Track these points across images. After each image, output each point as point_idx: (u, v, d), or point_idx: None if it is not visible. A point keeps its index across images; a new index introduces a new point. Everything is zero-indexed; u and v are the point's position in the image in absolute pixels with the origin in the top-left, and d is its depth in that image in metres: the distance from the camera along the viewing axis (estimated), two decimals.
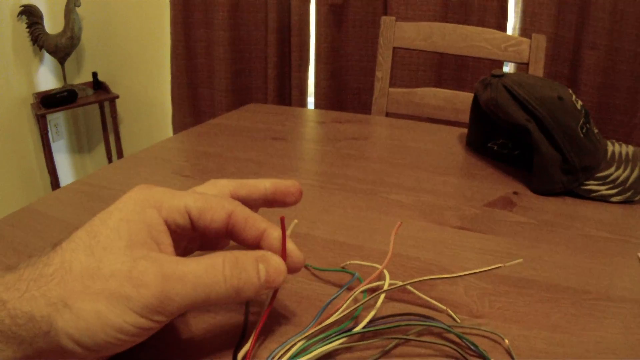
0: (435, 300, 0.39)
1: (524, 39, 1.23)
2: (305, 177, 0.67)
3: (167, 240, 0.31)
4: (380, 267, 0.38)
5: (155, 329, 0.28)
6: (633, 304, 0.41)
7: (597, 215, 0.58)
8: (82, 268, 0.27)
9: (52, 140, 2.33)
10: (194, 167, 0.69)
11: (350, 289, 0.40)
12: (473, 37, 1.27)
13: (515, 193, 0.64)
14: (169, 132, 2.38)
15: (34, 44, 2.14)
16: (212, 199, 0.32)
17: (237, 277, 0.29)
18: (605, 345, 0.35)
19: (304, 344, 0.32)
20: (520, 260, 0.36)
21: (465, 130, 0.88)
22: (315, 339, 0.32)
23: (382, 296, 0.37)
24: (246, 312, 0.36)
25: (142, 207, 0.30)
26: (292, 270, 0.32)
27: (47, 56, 2.25)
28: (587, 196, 0.63)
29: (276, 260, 0.31)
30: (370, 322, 0.35)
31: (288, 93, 2.07)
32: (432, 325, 0.35)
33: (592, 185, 0.63)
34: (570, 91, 0.68)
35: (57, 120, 2.40)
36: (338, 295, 0.38)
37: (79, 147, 2.60)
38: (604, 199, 0.62)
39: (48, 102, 2.08)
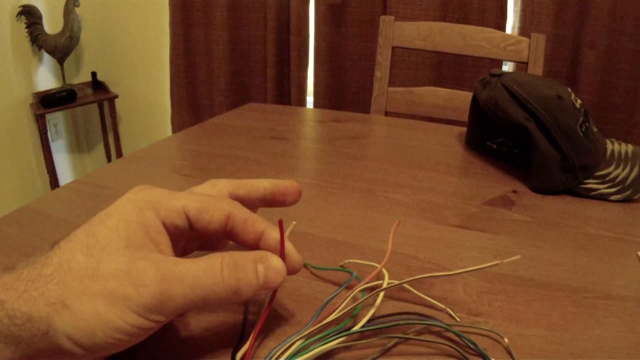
0: (434, 299, 0.39)
1: (523, 38, 1.23)
2: (304, 176, 0.67)
3: (165, 242, 0.31)
4: (379, 266, 0.38)
5: (154, 329, 0.28)
6: (632, 302, 0.41)
7: (597, 214, 0.58)
8: (81, 268, 0.27)
9: (52, 140, 2.33)
10: (193, 166, 0.69)
11: (349, 288, 0.40)
12: (472, 36, 1.27)
13: (514, 192, 0.64)
14: (168, 131, 2.38)
15: (33, 44, 2.14)
16: (210, 200, 0.32)
17: (235, 277, 0.29)
18: (604, 344, 0.35)
19: (302, 343, 0.32)
20: (518, 256, 0.36)
21: (464, 129, 0.88)
22: (314, 338, 0.32)
23: (381, 295, 0.37)
24: (245, 311, 0.36)
25: (140, 208, 0.30)
26: (290, 271, 0.32)
27: (47, 56, 2.25)
28: (587, 195, 0.63)
29: (275, 261, 0.31)
30: (369, 321, 0.35)
31: (287, 92, 2.07)
32: (431, 324, 0.35)
33: (591, 184, 0.63)
34: (570, 90, 0.68)
35: (56, 119, 2.40)
36: (337, 294, 0.38)
37: (78, 146, 2.60)
38: (604, 198, 0.62)
39: (47, 101, 2.08)
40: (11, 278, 0.27)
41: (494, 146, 0.76)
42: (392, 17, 1.30)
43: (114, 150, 2.52)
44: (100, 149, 2.64)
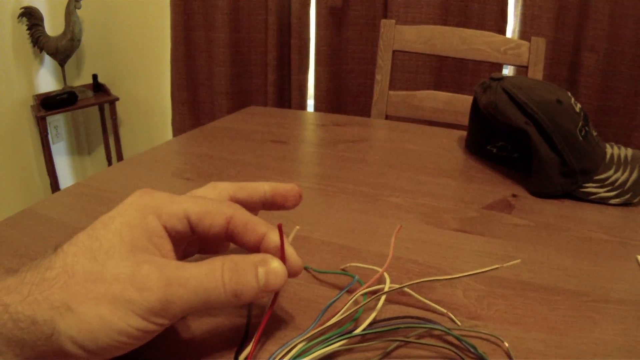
0: (434, 302, 0.39)
1: (524, 42, 1.23)
2: (305, 180, 0.67)
3: (167, 246, 0.31)
4: (380, 269, 0.38)
5: (157, 332, 0.29)
6: (631, 306, 0.41)
7: (596, 218, 0.58)
8: (85, 272, 0.27)
9: (52, 142, 2.33)
10: (194, 169, 0.69)
11: (350, 291, 0.40)
12: (473, 40, 1.27)
13: (514, 196, 0.64)
14: (169, 134, 2.39)
15: (34, 46, 2.14)
16: (211, 203, 0.32)
17: (235, 281, 0.29)
18: (603, 348, 0.36)
19: (304, 345, 0.32)
20: (518, 260, 0.36)
21: (464, 133, 0.88)
22: (315, 341, 0.32)
23: (383, 298, 0.37)
24: (249, 314, 0.36)
25: (142, 213, 0.30)
26: (291, 274, 0.33)
27: (48, 58, 2.25)
28: (586, 199, 0.63)
29: (276, 264, 0.31)
30: (370, 324, 0.35)
31: (288, 95, 2.07)
32: (431, 328, 0.35)
33: (590, 188, 0.63)
34: (569, 94, 0.68)
35: (57, 122, 2.40)
36: (338, 298, 0.38)
37: (79, 149, 2.60)
38: (603, 202, 0.63)
39: (48, 104, 2.08)
40: (15, 281, 0.27)
41: (494, 150, 0.76)
42: (393, 21, 1.31)
43: (114, 152, 2.52)
44: (100, 152, 2.64)
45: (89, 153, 2.66)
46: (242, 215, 0.33)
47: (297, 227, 0.43)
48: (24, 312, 0.26)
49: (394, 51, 1.32)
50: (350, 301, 0.36)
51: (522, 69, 1.28)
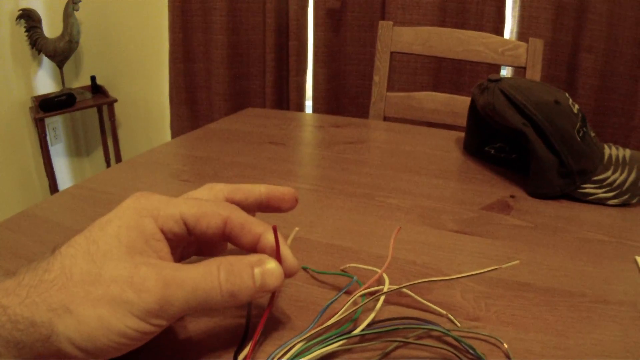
0: (433, 303, 0.39)
1: (521, 43, 1.23)
2: (303, 182, 0.67)
3: (164, 248, 0.31)
4: (379, 270, 0.38)
5: (155, 333, 0.29)
6: (630, 307, 0.41)
7: (594, 219, 0.59)
8: (83, 274, 0.28)
9: (51, 144, 2.33)
10: (192, 171, 0.69)
11: (349, 292, 0.40)
12: (470, 41, 1.27)
13: (512, 197, 0.64)
14: (167, 136, 2.38)
15: (32, 48, 2.14)
16: (208, 205, 0.32)
17: (232, 282, 0.29)
18: (602, 348, 0.36)
19: (303, 345, 0.32)
20: (517, 261, 0.36)
21: (462, 134, 0.88)
22: (314, 341, 0.33)
23: (382, 299, 0.37)
24: (248, 314, 0.36)
25: (139, 216, 0.31)
26: (286, 275, 0.33)
27: (46, 60, 2.25)
28: (584, 199, 0.63)
29: (272, 265, 0.31)
30: (369, 325, 0.35)
31: (286, 97, 2.07)
32: (430, 329, 0.35)
33: (589, 189, 0.63)
34: (567, 95, 0.69)
35: (56, 123, 2.40)
36: (337, 298, 0.38)
37: (77, 150, 2.60)
38: (601, 202, 0.63)
39: (46, 105, 2.08)
40: (13, 284, 0.27)
41: (492, 151, 0.76)
42: (391, 23, 1.31)
43: (113, 154, 2.52)
44: (99, 153, 2.64)
45: (88, 154, 2.66)
46: (238, 216, 0.33)
47: (297, 228, 0.43)
48: (23, 314, 0.26)
49: (391, 52, 1.32)
50: (349, 302, 0.36)
51: (520, 70, 1.29)
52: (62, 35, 2.14)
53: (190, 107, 2.17)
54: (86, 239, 0.29)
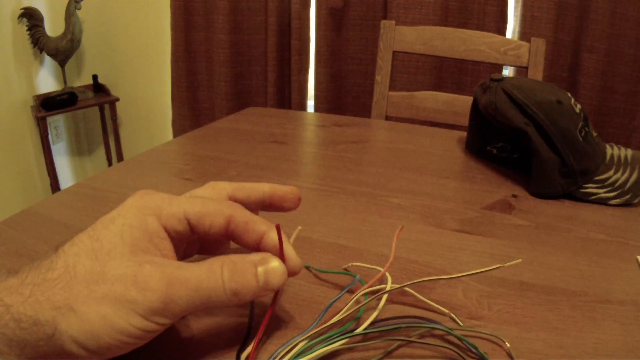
0: (435, 302, 0.39)
1: (523, 43, 1.23)
2: (305, 181, 0.67)
3: (167, 247, 0.31)
4: (381, 269, 0.38)
5: (158, 331, 0.29)
6: (631, 306, 0.41)
7: (596, 218, 0.59)
8: (87, 272, 0.28)
9: (52, 143, 2.33)
10: (194, 170, 0.69)
11: (351, 291, 0.40)
12: (472, 40, 1.27)
13: (514, 196, 0.64)
14: (169, 135, 2.39)
15: (34, 47, 2.14)
16: (211, 204, 0.33)
17: (235, 280, 0.29)
18: (603, 347, 0.36)
19: (306, 344, 0.32)
20: (519, 260, 0.37)
21: (464, 134, 0.88)
22: (317, 340, 0.33)
23: (384, 298, 0.37)
24: (251, 313, 0.36)
25: (143, 214, 0.31)
26: (289, 274, 0.33)
27: (48, 59, 2.25)
28: (586, 199, 0.63)
29: (275, 263, 0.31)
30: (371, 323, 0.35)
31: (288, 96, 2.08)
32: (433, 328, 0.35)
33: (590, 188, 0.63)
34: (569, 95, 0.69)
35: (57, 122, 2.40)
36: (340, 297, 0.38)
37: (79, 149, 2.60)
38: (603, 202, 0.63)
39: (48, 104, 2.09)
40: (16, 282, 0.27)
41: (494, 151, 0.76)
42: (393, 22, 1.31)
43: (114, 153, 2.52)
44: (101, 152, 2.64)
45: (89, 153, 2.67)
46: (242, 215, 0.33)
47: (299, 227, 0.43)
48: (26, 313, 0.26)
49: (394, 52, 1.32)
50: (352, 300, 0.36)
51: (522, 70, 1.28)
52: (64, 34, 2.14)
53: (192, 106, 2.17)
54: (90, 238, 0.29)
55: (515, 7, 1.74)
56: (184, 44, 2.06)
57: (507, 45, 1.25)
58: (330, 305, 0.37)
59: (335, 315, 0.35)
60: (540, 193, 0.64)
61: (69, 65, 2.31)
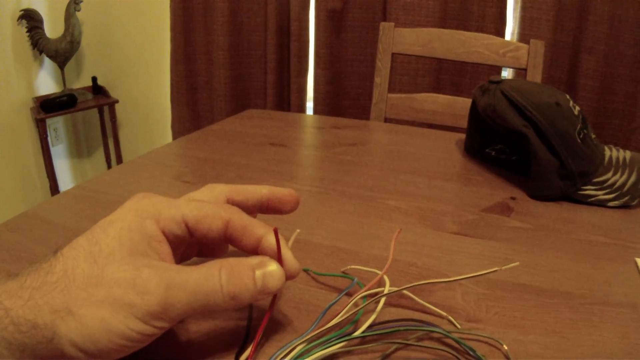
0: (434, 305, 0.40)
1: (522, 45, 1.23)
2: (304, 183, 0.67)
3: (166, 250, 0.31)
4: (380, 272, 0.38)
5: (157, 335, 0.29)
6: (630, 308, 0.41)
7: (595, 220, 0.59)
8: (86, 276, 0.28)
9: (52, 145, 2.33)
10: (193, 173, 0.69)
11: (350, 294, 0.40)
12: (471, 42, 1.28)
13: (512, 198, 0.64)
14: (168, 136, 2.39)
15: (33, 48, 2.14)
16: (209, 207, 0.33)
17: (233, 284, 0.30)
18: (601, 350, 0.36)
19: (304, 347, 0.32)
20: (517, 263, 0.37)
21: (463, 136, 0.88)
22: (315, 343, 0.33)
23: (382, 300, 0.37)
24: (249, 316, 0.36)
25: (141, 217, 0.31)
26: (287, 277, 0.33)
27: (47, 60, 2.25)
28: (585, 201, 0.63)
29: (273, 267, 0.31)
30: (370, 326, 0.35)
31: (287, 98, 2.08)
32: (431, 331, 0.35)
33: (589, 190, 0.63)
34: (568, 97, 0.69)
35: (57, 124, 2.40)
36: (338, 300, 0.38)
37: (78, 151, 2.60)
38: (602, 204, 0.63)
39: (47, 106, 2.09)
40: (15, 285, 0.27)
41: (493, 153, 0.76)
42: (392, 24, 1.31)
43: (114, 155, 2.52)
44: (100, 154, 2.64)
45: (89, 155, 2.67)
46: (239, 218, 0.33)
47: (298, 230, 0.43)
48: (25, 316, 0.26)
49: (393, 54, 1.32)
50: (350, 303, 0.36)
51: (521, 72, 1.29)
52: (64, 35, 2.15)
53: (192, 108, 2.17)
54: (88, 241, 0.29)
55: (514, 9, 1.75)
56: (184, 45, 2.06)
57: (506, 47, 1.25)
58: (329, 308, 0.37)
59: (334, 318, 0.35)
60: (539, 195, 0.64)
61: (69, 67, 2.31)
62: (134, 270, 0.28)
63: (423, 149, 0.84)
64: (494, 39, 1.26)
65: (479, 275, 0.36)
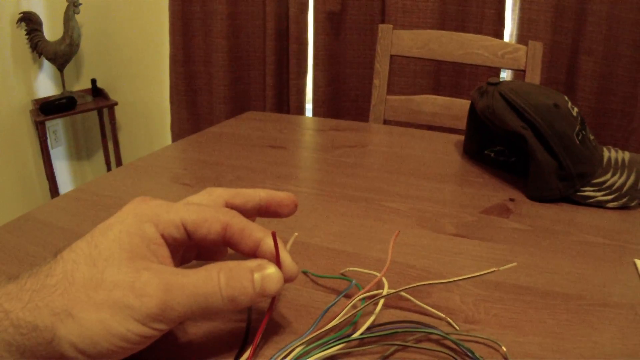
0: (432, 307, 0.40)
1: (521, 46, 1.24)
2: (303, 185, 0.67)
3: (165, 253, 0.31)
4: (378, 274, 0.39)
5: (156, 337, 0.29)
6: (628, 309, 0.41)
7: (594, 222, 0.59)
8: (85, 279, 0.28)
9: (51, 147, 2.33)
10: (192, 175, 0.69)
11: (348, 296, 0.41)
12: (470, 44, 1.28)
13: (511, 200, 0.64)
14: (168, 139, 2.39)
15: (33, 51, 2.14)
16: (208, 211, 0.33)
17: (232, 287, 0.30)
18: (600, 351, 0.36)
19: (303, 349, 0.32)
20: (514, 264, 0.37)
21: (462, 138, 0.88)
22: (314, 345, 0.33)
23: (381, 302, 0.37)
24: (248, 318, 0.37)
25: (140, 221, 0.31)
26: (286, 280, 0.33)
27: (46, 63, 2.25)
28: (584, 202, 0.63)
29: (271, 270, 0.31)
30: (368, 328, 0.35)
31: (286, 100, 2.08)
32: (429, 332, 0.35)
33: (588, 192, 0.63)
34: (567, 98, 0.69)
35: (56, 126, 2.40)
36: (336, 302, 0.38)
37: (78, 153, 2.60)
38: (600, 205, 0.63)
39: (47, 108, 2.09)
40: (15, 288, 0.28)
41: (492, 154, 0.76)
42: (391, 26, 1.31)
43: (113, 157, 2.52)
44: (99, 156, 2.64)
45: (88, 158, 2.67)
46: (238, 222, 0.33)
47: (296, 233, 0.43)
48: (25, 319, 0.26)
49: (391, 56, 1.33)
50: (349, 305, 0.36)
51: (519, 73, 1.29)
52: (63, 38, 2.15)
53: (191, 111, 2.17)
54: (88, 244, 0.30)
55: (513, 10, 1.75)
56: (183, 48, 2.06)
57: (505, 48, 1.25)
58: (327, 310, 0.37)
59: (332, 320, 0.35)
60: (537, 197, 0.65)
61: (68, 69, 2.31)
62: (133, 273, 0.28)
63: (422, 150, 0.84)
64: (492, 41, 1.27)
65: (477, 276, 0.36)
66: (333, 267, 0.46)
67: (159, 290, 0.28)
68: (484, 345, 0.36)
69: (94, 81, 2.40)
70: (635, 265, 0.49)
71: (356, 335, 0.34)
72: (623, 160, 0.67)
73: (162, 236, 0.31)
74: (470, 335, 0.37)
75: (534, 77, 1.22)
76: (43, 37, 2.13)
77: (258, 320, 0.37)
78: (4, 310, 0.26)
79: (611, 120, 1.71)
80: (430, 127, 1.45)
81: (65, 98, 2.15)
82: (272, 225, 0.52)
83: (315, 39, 1.90)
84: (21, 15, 2.07)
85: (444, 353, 0.34)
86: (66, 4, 2.14)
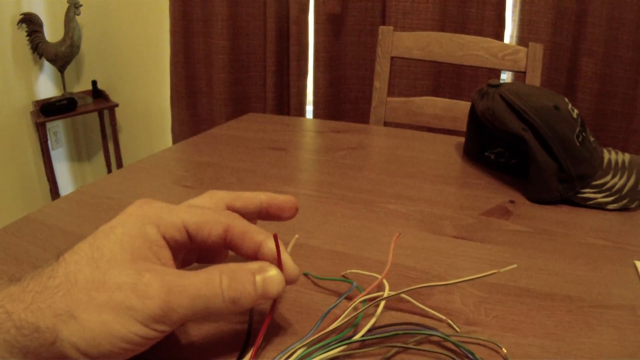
0: (432, 309, 0.40)
1: (521, 48, 1.24)
2: (304, 187, 0.67)
3: (166, 255, 0.31)
4: (379, 276, 0.39)
5: (158, 339, 0.29)
6: (628, 311, 0.41)
7: (594, 223, 0.59)
8: (88, 280, 0.28)
9: (52, 148, 2.33)
10: (193, 177, 0.69)
11: (349, 298, 0.41)
12: (470, 46, 1.28)
13: (511, 202, 0.64)
14: (168, 140, 2.39)
15: (33, 52, 2.15)
16: (209, 213, 0.33)
17: (233, 289, 0.30)
18: (600, 353, 0.36)
19: (304, 351, 0.32)
20: (515, 265, 0.37)
21: (462, 139, 0.88)
22: (315, 347, 0.33)
23: (382, 304, 0.37)
24: (250, 320, 0.37)
25: (142, 223, 0.31)
26: (287, 282, 0.33)
27: (47, 64, 2.26)
28: (584, 204, 0.63)
29: (273, 272, 0.31)
30: (369, 330, 0.35)
31: (287, 101, 2.08)
32: (430, 334, 0.35)
33: (588, 193, 0.63)
34: (567, 100, 0.69)
35: (57, 128, 2.41)
36: (337, 304, 0.38)
37: (79, 155, 2.60)
38: (601, 207, 0.63)
39: (48, 110, 2.09)
40: (17, 289, 0.28)
41: (492, 156, 0.77)
42: (391, 28, 1.31)
43: (114, 159, 2.52)
44: (100, 158, 2.64)
45: (89, 159, 2.67)
46: (239, 224, 0.33)
47: (297, 235, 0.43)
48: (27, 320, 0.26)
49: (392, 58, 1.33)
50: (350, 307, 0.36)
51: (519, 75, 1.29)
52: (64, 39, 2.15)
53: (191, 112, 2.17)
54: (90, 246, 0.30)
55: (513, 12, 1.75)
56: (183, 49, 2.06)
57: (505, 50, 1.25)
58: (328, 312, 0.37)
59: (333, 322, 0.35)
60: (537, 198, 0.65)
61: (68, 70, 2.31)
62: (135, 274, 0.28)
63: (422, 152, 0.84)
64: (492, 42, 1.27)
65: (478, 277, 0.36)
66: (334, 269, 0.46)
67: (161, 292, 0.28)
68: (484, 347, 0.36)
69: (94, 82, 2.40)
70: (635, 266, 0.49)
71: (357, 337, 0.34)
72: (623, 161, 0.67)
73: (164, 238, 0.32)
74: (471, 337, 0.37)
75: (534, 78, 1.22)
76: (44, 38, 2.14)
77: (259, 322, 0.37)
78: (6, 311, 0.26)
79: (611, 122, 1.71)
80: (431, 129, 1.45)
81: (66, 99, 2.16)
82: (272, 226, 0.52)
83: (315, 40, 1.90)
84: (22, 16, 2.07)
85: (445, 355, 0.34)
86: (67, 5, 2.14)
